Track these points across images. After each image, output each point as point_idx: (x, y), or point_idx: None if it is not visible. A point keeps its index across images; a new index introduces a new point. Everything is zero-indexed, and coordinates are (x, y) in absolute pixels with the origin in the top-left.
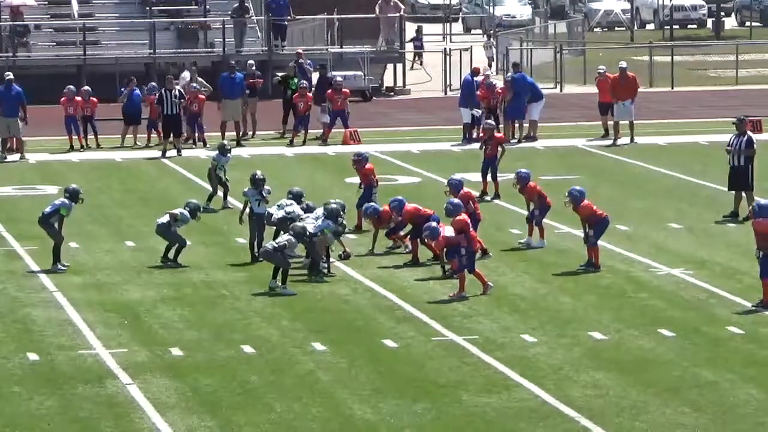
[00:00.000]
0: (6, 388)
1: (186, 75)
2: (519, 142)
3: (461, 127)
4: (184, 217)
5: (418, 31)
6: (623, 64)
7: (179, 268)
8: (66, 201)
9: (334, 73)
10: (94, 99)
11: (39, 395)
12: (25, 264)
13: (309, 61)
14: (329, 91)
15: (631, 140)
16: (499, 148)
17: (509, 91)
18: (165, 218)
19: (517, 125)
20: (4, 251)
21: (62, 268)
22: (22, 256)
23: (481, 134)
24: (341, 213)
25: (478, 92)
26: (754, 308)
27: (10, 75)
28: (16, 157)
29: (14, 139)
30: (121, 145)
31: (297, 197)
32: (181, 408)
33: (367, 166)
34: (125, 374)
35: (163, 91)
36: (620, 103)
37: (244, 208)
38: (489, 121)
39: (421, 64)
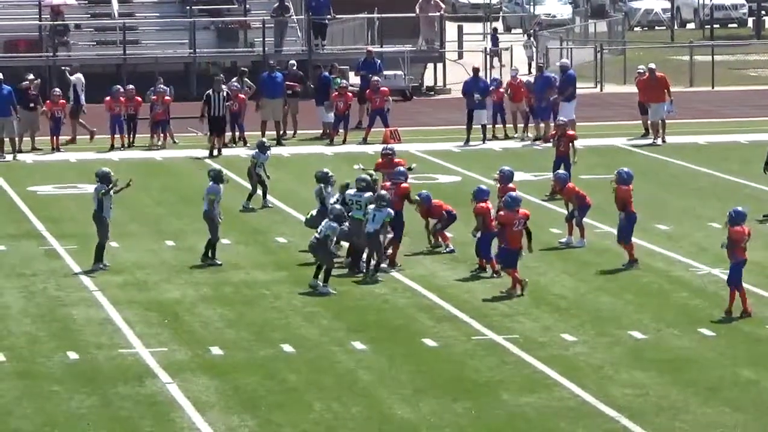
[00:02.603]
0: (46, 387)
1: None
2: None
3: (490, 126)
4: (215, 189)
5: (494, 30)
6: (652, 65)
7: (218, 267)
8: (98, 185)
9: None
10: (138, 98)
11: (79, 394)
12: (65, 263)
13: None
14: (368, 90)
15: (662, 140)
16: (571, 146)
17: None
18: (205, 205)
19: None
20: (44, 250)
21: (103, 267)
22: (62, 256)
23: (553, 131)
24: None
25: (502, 89)
26: None
27: None
28: (9, 157)
29: (11, 139)
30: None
31: (321, 180)
32: (220, 407)
33: (396, 162)
34: (165, 373)
35: (210, 92)
36: (655, 106)
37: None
38: (561, 118)
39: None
